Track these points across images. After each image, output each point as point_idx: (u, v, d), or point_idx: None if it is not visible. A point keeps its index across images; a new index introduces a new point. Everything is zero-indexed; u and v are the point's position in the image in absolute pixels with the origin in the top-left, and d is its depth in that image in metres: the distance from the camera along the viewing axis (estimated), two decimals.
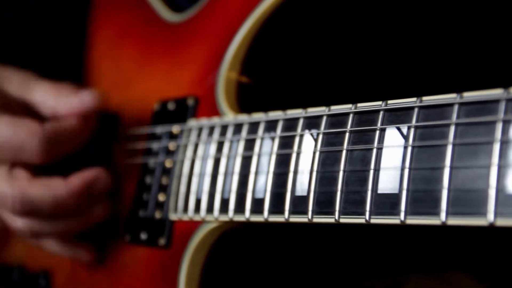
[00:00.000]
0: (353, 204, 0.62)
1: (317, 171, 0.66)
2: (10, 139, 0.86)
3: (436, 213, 0.55)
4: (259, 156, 0.74)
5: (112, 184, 0.92)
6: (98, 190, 0.90)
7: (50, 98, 0.91)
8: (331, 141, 0.66)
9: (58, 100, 0.90)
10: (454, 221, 0.54)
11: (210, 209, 0.78)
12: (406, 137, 0.59)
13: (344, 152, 0.64)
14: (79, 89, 0.91)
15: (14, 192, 0.86)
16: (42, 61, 1.08)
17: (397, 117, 0.60)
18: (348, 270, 0.86)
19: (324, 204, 0.65)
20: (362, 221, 0.61)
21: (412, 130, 0.59)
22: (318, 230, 0.82)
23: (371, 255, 0.86)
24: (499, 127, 0.53)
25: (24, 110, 0.92)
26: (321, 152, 0.66)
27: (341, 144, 0.65)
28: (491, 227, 0.52)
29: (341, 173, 0.64)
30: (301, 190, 0.67)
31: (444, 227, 0.56)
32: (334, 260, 0.87)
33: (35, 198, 0.86)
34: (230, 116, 0.81)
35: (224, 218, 0.76)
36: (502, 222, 0.51)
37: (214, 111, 0.84)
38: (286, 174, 0.70)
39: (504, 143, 0.52)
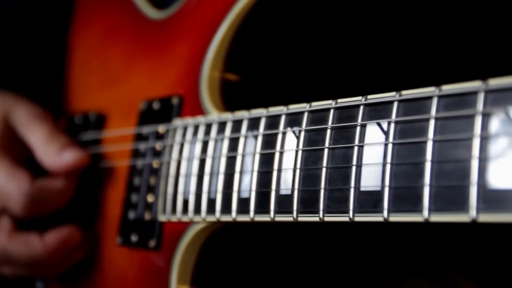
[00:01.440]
0: (337, 202, 0.61)
1: (300, 169, 0.65)
2: (1, 187, 0.90)
3: (419, 210, 0.54)
4: (243, 155, 0.73)
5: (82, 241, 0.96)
6: (73, 244, 0.94)
7: (39, 148, 0.94)
8: (313, 139, 0.65)
9: (45, 154, 0.93)
10: (437, 217, 0.53)
11: (197, 209, 0.78)
12: (386, 133, 0.58)
13: (326, 150, 0.63)
14: (69, 144, 0.94)
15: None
16: (24, 64, 1.08)
17: (377, 112, 0.59)
18: (343, 271, 0.85)
19: (308, 202, 0.64)
20: (346, 219, 0.60)
21: (392, 126, 0.58)
22: (310, 229, 0.81)
23: (367, 256, 0.85)
24: (478, 120, 0.51)
25: (25, 150, 0.96)
26: (303, 150, 0.65)
27: (323, 141, 0.63)
28: (474, 223, 0.51)
29: (323, 171, 0.63)
30: (285, 188, 0.67)
31: (437, 226, 0.55)
32: (328, 260, 0.86)
33: (13, 255, 0.92)
34: (214, 115, 0.80)
35: (211, 218, 0.76)
36: (485, 218, 0.50)
37: (199, 110, 0.83)
38: (270, 172, 0.69)
39: (483, 137, 0.51)
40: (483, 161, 0.51)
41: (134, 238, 0.88)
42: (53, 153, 0.92)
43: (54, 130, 0.95)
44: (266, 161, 0.70)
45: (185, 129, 0.83)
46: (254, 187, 0.70)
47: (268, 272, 0.85)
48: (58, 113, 1.07)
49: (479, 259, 0.78)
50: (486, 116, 0.51)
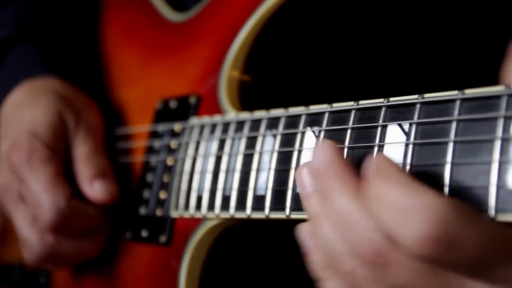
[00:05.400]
0: None
1: None
2: (36, 194, 0.87)
3: None
4: (260, 153, 0.74)
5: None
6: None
7: (78, 165, 0.92)
8: (333, 138, 0.66)
9: (81, 174, 0.92)
10: None
11: (211, 206, 0.79)
12: (407, 134, 0.59)
13: (345, 149, 0.64)
14: (103, 173, 0.92)
15: (42, 246, 0.89)
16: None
17: (399, 114, 0.61)
18: None
19: None
20: None
21: (413, 127, 0.59)
22: None
23: None
24: (500, 123, 0.53)
25: (67, 155, 0.93)
26: None
27: (343, 141, 0.65)
28: None
29: None
30: None
31: None
32: None
33: (62, 254, 0.91)
34: (232, 114, 0.81)
35: (225, 215, 0.77)
36: (503, 217, 0.51)
37: (216, 109, 0.85)
38: (287, 171, 0.70)
39: (505, 139, 0.52)
40: (504, 163, 0.52)
41: (144, 233, 0.89)
42: (86, 177, 0.91)
43: (97, 150, 0.94)
44: (284, 159, 0.71)
45: (202, 127, 0.84)
46: (270, 185, 0.71)
47: (273, 271, 0.86)
48: None
49: None
50: (508, 120, 0.52)
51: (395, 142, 0.60)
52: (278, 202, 0.70)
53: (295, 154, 0.69)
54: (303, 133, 0.70)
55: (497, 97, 0.54)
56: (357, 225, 0.54)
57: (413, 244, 0.50)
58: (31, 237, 0.89)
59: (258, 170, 0.73)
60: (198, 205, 0.81)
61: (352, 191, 0.55)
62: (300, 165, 0.62)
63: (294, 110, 0.72)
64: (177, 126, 0.89)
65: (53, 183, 0.87)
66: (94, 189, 0.91)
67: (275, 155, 0.72)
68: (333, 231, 0.56)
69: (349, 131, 0.65)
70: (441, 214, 0.49)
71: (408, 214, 0.50)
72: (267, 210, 0.71)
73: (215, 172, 0.79)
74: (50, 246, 0.89)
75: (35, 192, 0.87)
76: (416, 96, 0.60)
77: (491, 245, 0.50)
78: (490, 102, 0.54)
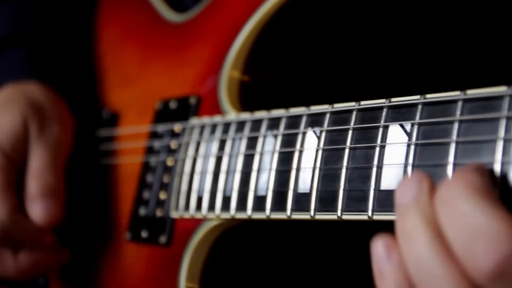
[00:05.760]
0: (356, 201, 0.62)
1: (320, 169, 0.66)
2: None
3: None
4: (261, 154, 0.74)
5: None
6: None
7: (30, 178, 0.89)
8: (334, 139, 0.66)
9: (28, 189, 0.89)
10: None
11: (211, 207, 0.79)
12: (409, 134, 0.59)
13: (347, 150, 0.64)
14: (48, 194, 0.89)
15: None
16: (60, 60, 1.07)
17: (400, 114, 0.61)
18: (356, 276, 0.86)
19: (327, 201, 0.65)
20: (364, 217, 0.61)
21: (415, 127, 0.59)
22: (321, 228, 0.82)
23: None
24: (502, 124, 0.53)
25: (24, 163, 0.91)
26: (324, 150, 0.67)
27: (344, 141, 0.65)
28: None
29: (344, 170, 0.64)
30: (303, 187, 0.68)
31: None
32: (336, 259, 0.87)
33: None
34: (232, 115, 0.81)
35: (225, 215, 0.77)
36: None
37: (217, 110, 0.85)
38: (288, 171, 0.70)
39: (507, 140, 0.52)
40: (506, 163, 0.52)
41: (144, 234, 0.89)
42: (31, 195, 0.89)
43: (51, 166, 0.90)
44: (285, 160, 0.71)
45: (202, 128, 0.84)
46: (271, 186, 0.71)
47: (273, 271, 0.86)
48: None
49: None
50: (510, 120, 0.52)
51: (397, 142, 0.60)
52: (279, 203, 0.70)
53: (296, 154, 0.69)
54: (304, 134, 0.70)
55: (499, 97, 0.54)
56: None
57: None
58: None
59: (259, 171, 0.73)
60: (199, 206, 0.81)
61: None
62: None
63: (295, 111, 0.72)
64: (177, 127, 0.89)
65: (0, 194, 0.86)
66: (35, 209, 0.88)
67: (276, 156, 0.72)
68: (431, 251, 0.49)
69: (350, 132, 0.65)
70: None
71: None
72: (268, 210, 0.71)
73: (215, 172, 0.79)
74: None
75: None
76: (418, 97, 0.60)
77: None
78: (492, 102, 0.54)
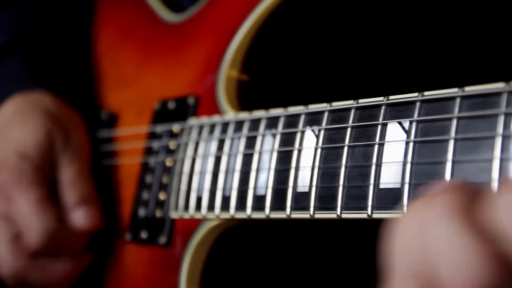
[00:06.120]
0: (355, 199, 0.62)
1: (319, 167, 0.66)
2: (25, 216, 0.88)
3: None
4: (260, 153, 0.74)
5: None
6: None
7: (63, 188, 0.92)
8: (333, 137, 0.66)
9: (65, 198, 0.92)
10: None
11: (211, 206, 0.78)
12: (408, 132, 0.59)
13: (346, 148, 0.64)
14: (86, 200, 0.93)
15: (14, 268, 0.89)
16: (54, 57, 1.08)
17: (398, 112, 0.61)
18: (355, 275, 0.86)
19: (326, 199, 0.65)
20: (364, 216, 0.61)
21: (414, 125, 0.59)
22: (321, 227, 0.82)
23: (372, 256, 0.86)
24: (501, 120, 0.53)
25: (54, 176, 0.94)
26: (322, 148, 0.67)
27: (343, 139, 0.65)
28: None
29: (343, 169, 0.64)
30: (302, 186, 0.68)
31: None
32: (336, 258, 0.87)
33: (31, 280, 0.90)
34: (230, 114, 0.81)
35: (225, 215, 0.76)
36: None
37: (215, 109, 0.85)
38: (287, 170, 0.70)
39: (506, 136, 0.52)
40: (505, 160, 0.52)
41: (144, 235, 0.89)
42: (70, 204, 0.92)
43: (82, 173, 0.94)
44: (284, 159, 0.71)
45: (200, 128, 0.84)
46: (270, 185, 0.71)
47: (273, 271, 0.86)
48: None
49: None
50: (508, 116, 0.52)
51: (396, 140, 0.60)
52: (278, 202, 0.70)
53: (295, 153, 0.69)
54: (302, 132, 0.69)
55: (497, 94, 0.54)
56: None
57: None
58: (5, 256, 0.88)
59: (258, 170, 0.73)
60: (198, 206, 0.81)
61: None
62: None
63: (293, 110, 0.72)
64: (175, 127, 0.89)
65: (42, 205, 0.88)
66: (77, 216, 0.91)
67: (274, 155, 0.72)
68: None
69: (349, 130, 0.64)
70: None
71: None
72: (267, 210, 0.71)
73: (214, 172, 0.79)
74: (20, 268, 0.89)
75: (25, 213, 0.88)
76: (416, 94, 0.60)
77: None
78: (491, 99, 0.54)
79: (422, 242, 0.44)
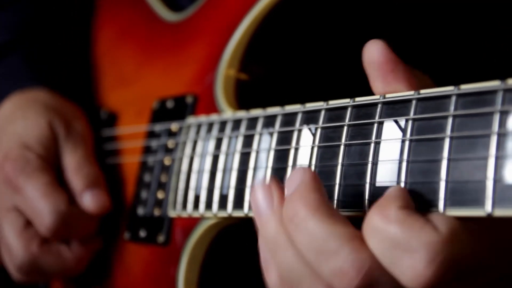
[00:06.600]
0: (352, 197, 0.62)
1: (316, 166, 0.66)
2: (33, 202, 0.88)
3: (434, 204, 0.55)
4: (257, 151, 0.74)
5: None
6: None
7: (68, 174, 0.93)
8: (329, 136, 0.66)
9: (71, 183, 0.93)
10: (452, 212, 0.54)
11: (209, 205, 0.79)
12: (404, 130, 0.59)
13: (342, 146, 0.64)
14: (93, 184, 0.93)
15: (25, 255, 0.89)
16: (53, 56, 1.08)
17: (395, 110, 0.61)
18: None
19: None
20: (360, 214, 0.61)
21: (410, 123, 0.59)
22: None
23: None
24: (496, 118, 0.53)
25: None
26: (319, 147, 0.67)
27: (339, 138, 0.65)
28: (489, 218, 0.52)
29: (339, 167, 0.64)
30: None
31: None
32: None
33: (45, 266, 0.90)
34: (228, 113, 0.81)
35: (223, 214, 0.77)
36: (500, 212, 0.51)
37: (213, 108, 0.85)
38: (284, 169, 0.70)
39: (501, 134, 0.52)
40: (500, 158, 0.52)
41: (142, 233, 0.89)
42: (77, 189, 0.92)
43: (87, 158, 0.95)
44: (281, 157, 0.71)
45: (198, 126, 0.84)
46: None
47: None
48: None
49: None
50: (504, 114, 0.52)
51: (392, 138, 0.60)
52: None
53: (292, 152, 0.69)
54: (299, 131, 0.69)
55: (493, 92, 0.54)
56: (338, 255, 0.53)
57: (414, 282, 0.51)
58: (16, 245, 0.89)
59: (255, 169, 0.73)
60: (196, 204, 0.81)
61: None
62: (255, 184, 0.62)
63: (290, 108, 0.72)
64: (174, 126, 0.89)
65: (50, 189, 0.88)
66: (86, 200, 0.91)
67: (272, 153, 0.72)
68: (299, 258, 0.56)
69: (345, 128, 0.64)
70: (440, 251, 0.51)
71: (409, 252, 0.51)
72: None
73: (212, 171, 0.79)
74: (33, 256, 0.89)
75: (33, 199, 0.88)
76: (412, 92, 0.60)
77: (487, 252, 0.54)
78: (486, 97, 0.54)
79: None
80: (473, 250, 0.54)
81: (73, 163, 0.93)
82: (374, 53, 0.62)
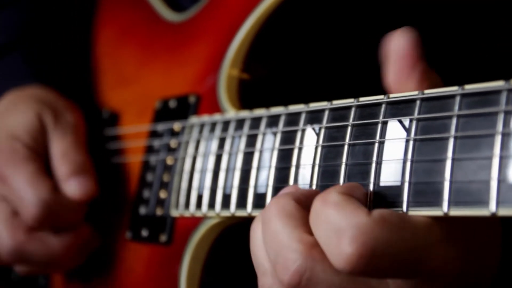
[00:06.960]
0: None
1: (319, 165, 0.66)
2: (18, 191, 0.88)
3: (438, 204, 0.55)
4: (261, 151, 0.74)
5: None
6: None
7: (55, 162, 0.93)
8: (333, 135, 0.66)
9: (58, 170, 0.93)
10: (456, 212, 0.54)
11: (211, 204, 0.79)
12: (408, 130, 0.59)
13: (346, 146, 0.64)
14: (80, 170, 0.93)
15: (12, 243, 0.90)
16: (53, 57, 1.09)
17: (399, 110, 0.61)
18: None
19: None
20: None
21: (414, 123, 0.59)
22: None
23: None
24: (500, 118, 0.53)
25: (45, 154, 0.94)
26: (323, 146, 0.67)
27: (343, 138, 0.65)
28: (493, 217, 0.52)
29: (343, 167, 0.64)
30: (303, 184, 0.68)
31: None
32: None
33: (32, 254, 0.90)
34: (231, 113, 0.81)
35: (225, 213, 0.77)
36: (504, 212, 0.51)
37: (216, 108, 0.85)
38: (288, 168, 0.70)
39: (505, 134, 0.52)
40: (504, 158, 0.52)
41: (144, 233, 0.89)
42: (62, 175, 0.92)
43: (75, 146, 0.95)
44: (284, 157, 0.71)
45: (201, 126, 0.84)
46: (271, 183, 0.71)
47: None
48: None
49: None
50: (508, 114, 0.53)
51: (396, 138, 0.60)
52: None
53: (296, 151, 0.70)
54: (303, 131, 0.70)
55: (497, 92, 0.54)
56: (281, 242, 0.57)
57: (340, 262, 0.52)
58: (3, 233, 0.90)
59: (258, 168, 0.74)
60: (199, 204, 0.81)
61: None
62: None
63: (294, 108, 0.72)
64: (176, 125, 0.89)
65: (35, 178, 0.89)
66: (70, 187, 0.91)
67: (275, 153, 0.72)
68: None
69: (349, 128, 0.65)
70: (365, 232, 0.52)
71: (338, 232, 0.53)
72: None
73: (215, 170, 0.79)
74: (20, 243, 0.90)
75: (18, 188, 0.88)
76: (416, 92, 0.60)
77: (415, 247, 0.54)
78: (490, 97, 0.54)
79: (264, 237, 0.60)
80: (431, 247, 0.56)
81: (59, 151, 0.94)
82: (401, 43, 0.61)
